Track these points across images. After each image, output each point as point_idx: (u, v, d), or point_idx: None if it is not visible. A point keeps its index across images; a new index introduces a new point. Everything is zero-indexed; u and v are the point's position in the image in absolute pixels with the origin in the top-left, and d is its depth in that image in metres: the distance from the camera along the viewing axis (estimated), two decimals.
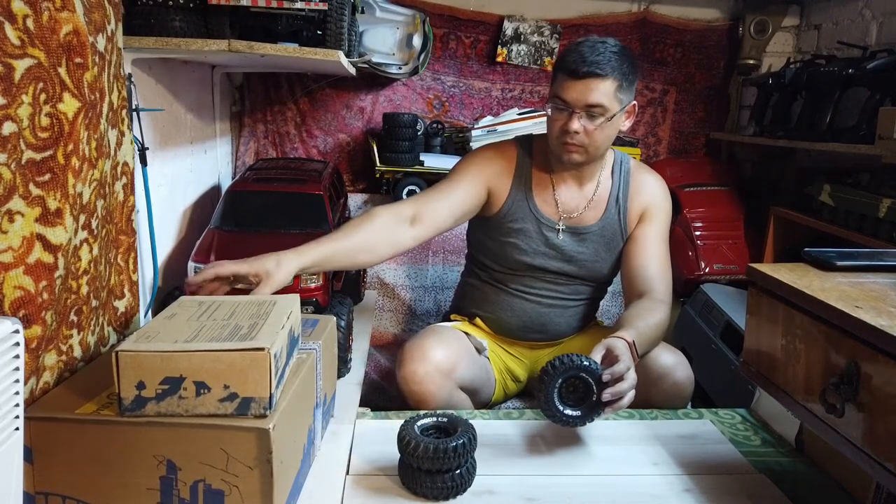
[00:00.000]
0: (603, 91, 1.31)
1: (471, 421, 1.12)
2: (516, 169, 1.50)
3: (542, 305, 1.54)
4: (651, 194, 1.52)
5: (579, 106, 1.32)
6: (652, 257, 1.47)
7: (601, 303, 2.30)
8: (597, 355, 1.17)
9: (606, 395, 1.12)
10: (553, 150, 1.42)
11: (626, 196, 1.51)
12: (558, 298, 1.54)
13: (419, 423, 1.11)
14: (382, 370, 2.03)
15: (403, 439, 1.06)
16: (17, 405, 0.73)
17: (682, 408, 1.44)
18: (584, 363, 1.14)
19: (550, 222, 1.49)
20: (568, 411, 1.16)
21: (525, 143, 1.53)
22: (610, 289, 1.71)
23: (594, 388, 1.15)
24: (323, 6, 1.39)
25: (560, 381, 1.15)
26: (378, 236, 1.35)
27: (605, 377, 1.13)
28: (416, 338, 1.42)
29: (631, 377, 1.14)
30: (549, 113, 1.38)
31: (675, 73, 2.67)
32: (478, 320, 1.60)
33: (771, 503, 1.10)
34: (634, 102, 1.40)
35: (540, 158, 1.51)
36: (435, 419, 1.13)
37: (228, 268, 1.18)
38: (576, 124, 1.33)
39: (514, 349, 1.61)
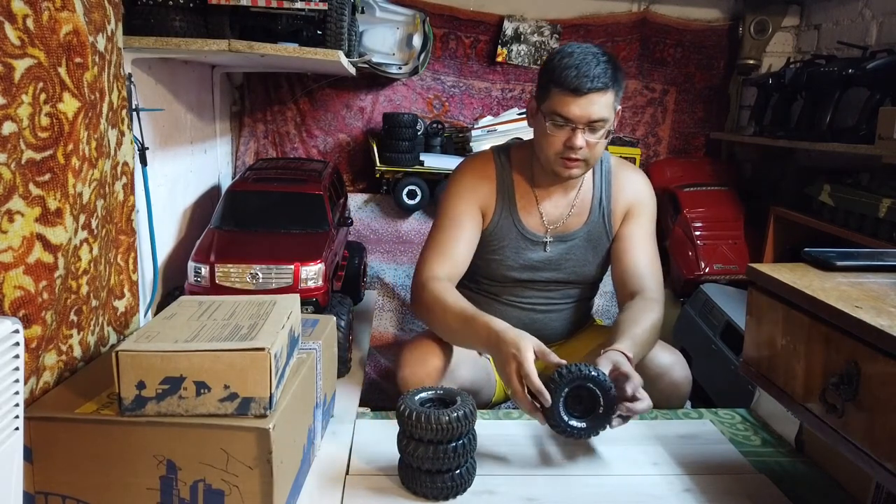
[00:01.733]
0: (605, 104, 1.29)
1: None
2: (498, 186, 1.47)
3: (537, 312, 1.54)
4: (634, 192, 1.51)
5: (582, 122, 1.30)
6: (641, 256, 1.46)
7: (600, 302, 2.31)
8: (604, 367, 1.15)
9: (623, 408, 1.11)
10: (549, 166, 1.39)
11: (609, 197, 1.50)
12: (550, 303, 1.55)
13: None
14: (382, 370, 2.03)
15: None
16: (17, 405, 0.73)
17: (680, 407, 1.44)
18: (593, 373, 1.11)
19: (537, 237, 1.48)
20: (573, 422, 1.12)
21: (503, 157, 1.50)
22: (609, 290, 1.71)
23: (601, 399, 1.11)
24: (323, 6, 1.39)
25: (566, 389, 1.11)
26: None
27: (629, 391, 1.11)
28: (415, 340, 1.42)
29: (647, 398, 1.14)
30: (547, 130, 1.33)
31: (675, 73, 2.67)
32: None
33: (771, 503, 1.10)
34: (619, 107, 1.38)
35: (521, 172, 1.48)
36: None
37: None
38: (580, 140, 1.31)
39: None
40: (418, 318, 1.43)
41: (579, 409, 1.13)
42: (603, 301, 2.34)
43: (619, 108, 1.38)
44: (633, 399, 1.13)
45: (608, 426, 1.14)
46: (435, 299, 1.34)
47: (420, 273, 1.42)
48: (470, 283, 1.58)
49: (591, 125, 1.31)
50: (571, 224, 1.49)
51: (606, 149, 1.48)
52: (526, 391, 1.12)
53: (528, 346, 1.14)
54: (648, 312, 1.34)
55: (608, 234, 1.51)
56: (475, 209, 1.46)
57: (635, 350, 1.23)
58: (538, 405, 1.12)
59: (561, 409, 1.11)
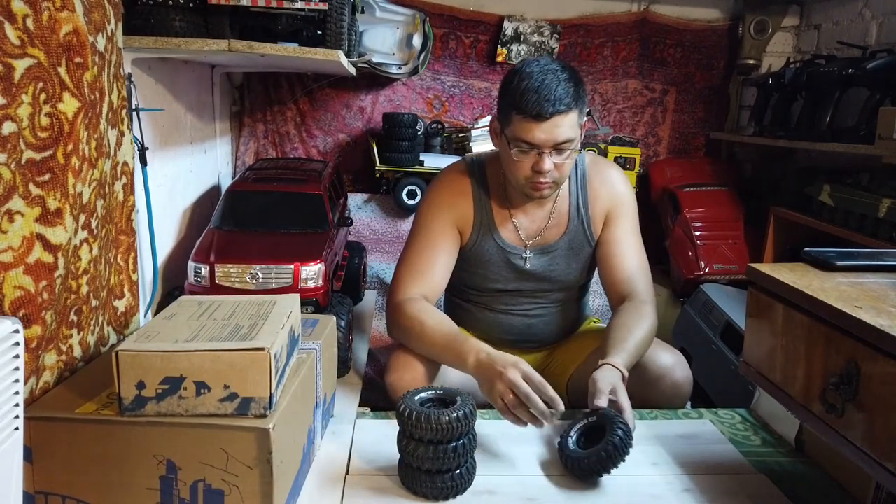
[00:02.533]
0: (569, 125, 1.27)
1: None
2: (475, 202, 1.46)
3: (529, 317, 1.54)
4: (611, 193, 1.48)
5: (548, 146, 1.27)
6: (628, 259, 1.45)
7: (599, 302, 2.31)
8: (603, 388, 1.15)
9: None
10: (519, 189, 1.37)
11: (587, 203, 1.48)
12: (542, 307, 1.54)
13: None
14: (382, 370, 2.03)
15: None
16: (17, 405, 0.73)
17: (681, 408, 1.44)
18: (621, 433, 1.09)
19: (517, 250, 1.47)
20: (576, 455, 1.13)
21: (478, 170, 1.48)
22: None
23: (612, 452, 1.08)
24: (323, 6, 1.39)
25: (585, 421, 1.14)
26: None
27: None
28: (403, 345, 1.41)
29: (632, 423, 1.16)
30: (513, 156, 1.31)
31: (675, 73, 2.67)
32: (471, 332, 1.60)
33: (771, 503, 1.10)
34: (586, 119, 1.36)
35: (495, 186, 1.47)
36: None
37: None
38: (548, 164, 1.29)
39: (509, 353, 1.60)
40: (396, 340, 1.42)
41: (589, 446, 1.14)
42: (603, 301, 2.34)
43: (586, 120, 1.35)
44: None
45: (603, 473, 1.11)
46: (411, 320, 1.32)
47: (395, 294, 1.40)
48: (460, 296, 1.58)
49: (558, 147, 1.28)
50: (550, 235, 1.48)
51: (605, 152, 1.47)
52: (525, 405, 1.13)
53: (515, 371, 1.15)
54: (642, 318, 1.34)
55: (590, 240, 1.49)
56: (452, 228, 1.44)
57: (628, 362, 1.24)
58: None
59: (571, 439, 1.15)
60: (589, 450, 1.11)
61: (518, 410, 1.14)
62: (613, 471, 1.11)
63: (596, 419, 1.14)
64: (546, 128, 1.25)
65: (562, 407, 1.12)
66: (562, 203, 1.48)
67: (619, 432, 1.08)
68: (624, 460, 1.09)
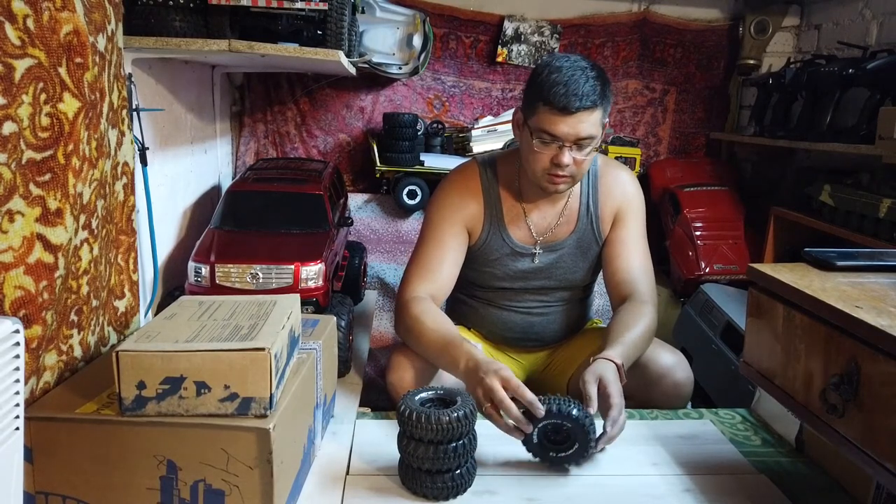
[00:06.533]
0: (592, 122, 1.28)
1: None
2: (485, 201, 1.46)
3: (533, 315, 1.55)
4: (621, 194, 1.49)
5: (570, 140, 1.28)
6: (632, 259, 1.46)
7: (600, 302, 2.31)
8: (591, 382, 1.15)
9: (602, 444, 1.13)
10: (536, 181, 1.38)
11: (597, 202, 1.49)
12: (545, 306, 1.55)
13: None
14: (382, 370, 2.03)
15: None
16: (17, 405, 0.73)
17: (682, 408, 1.44)
18: (573, 413, 1.10)
19: (526, 249, 1.48)
20: (551, 453, 1.15)
21: (489, 168, 1.48)
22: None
23: (577, 437, 1.12)
24: (323, 6, 1.39)
25: (546, 423, 1.13)
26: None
27: (608, 427, 1.13)
28: (404, 345, 1.42)
29: (622, 421, 1.15)
30: (534, 147, 1.31)
31: (675, 73, 2.67)
32: (473, 329, 1.60)
33: (771, 503, 1.10)
34: (608, 119, 1.38)
35: (507, 184, 1.48)
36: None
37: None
38: (567, 158, 1.30)
39: (511, 352, 1.61)
40: (401, 338, 1.42)
41: (558, 438, 1.15)
42: (604, 301, 2.34)
43: (608, 121, 1.36)
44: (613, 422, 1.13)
45: (584, 457, 1.15)
46: (413, 320, 1.33)
47: (403, 293, 1.41)
48: (464, 292, 1.58)
49: (579, 142, 1.30)
50: (560, 233, 1.49)
51: (605, 152, 1.47)
52: (502, 415, 1.12)
53: (494, 377, 1.13)
54: (641, 316, 1.34)
55: (597, 239, 1.50)
56: (461, 228, 1.45)
57: (626, 356, 1.24)
58: (515, 425, 1.12)
59: (535, 437, 1.13)
60: (565, 449, 1.14)
61: (494, 418, 1.13)
62: (614, 470, 1.11)
63: (547, 418, 1.12)
64: (571, 122, 1.27)
65: (541, 411, 1.10)
66: (573, 201, 1.49)
67: (582, 423, 1.10)
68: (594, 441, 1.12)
